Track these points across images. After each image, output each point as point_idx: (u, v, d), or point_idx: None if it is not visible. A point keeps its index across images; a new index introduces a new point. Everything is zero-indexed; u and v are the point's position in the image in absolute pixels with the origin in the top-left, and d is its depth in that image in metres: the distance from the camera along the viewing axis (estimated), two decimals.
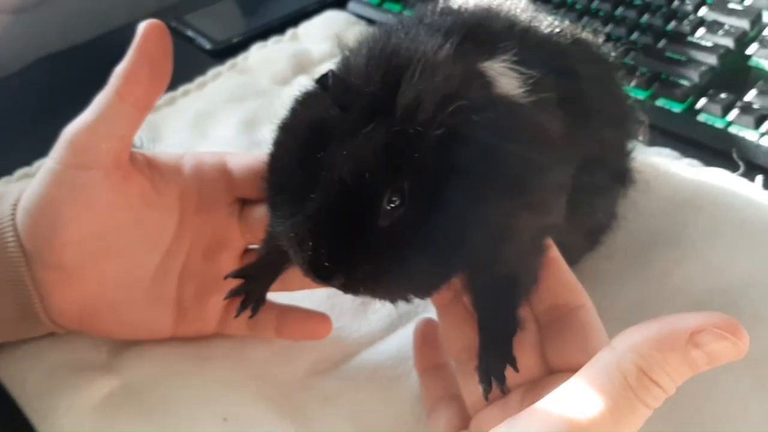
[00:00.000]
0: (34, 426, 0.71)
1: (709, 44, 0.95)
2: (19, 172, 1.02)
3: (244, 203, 0.72)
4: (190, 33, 1.25)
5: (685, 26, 0.98)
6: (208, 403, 0.70)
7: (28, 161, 1.03)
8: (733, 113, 0.87)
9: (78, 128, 0.65)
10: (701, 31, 0.97)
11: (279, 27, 1.20)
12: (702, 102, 0.90)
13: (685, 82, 0.92)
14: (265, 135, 0.85)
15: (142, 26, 0.64)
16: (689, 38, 0.96)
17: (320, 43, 1.13)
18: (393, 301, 0.56)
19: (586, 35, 0.70)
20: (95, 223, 0.65)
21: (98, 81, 1.18)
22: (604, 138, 0.67)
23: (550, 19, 0.68)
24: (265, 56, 1.14)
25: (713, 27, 0.96)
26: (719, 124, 0.88)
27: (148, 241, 0.69)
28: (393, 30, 0.60)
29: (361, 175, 0.50)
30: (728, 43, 0.94)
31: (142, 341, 0.74)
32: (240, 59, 1.15)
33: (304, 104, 0.59)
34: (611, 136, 0.69)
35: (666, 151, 0.86)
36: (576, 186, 0.63)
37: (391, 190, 0.50)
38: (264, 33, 1.20)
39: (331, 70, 0.56)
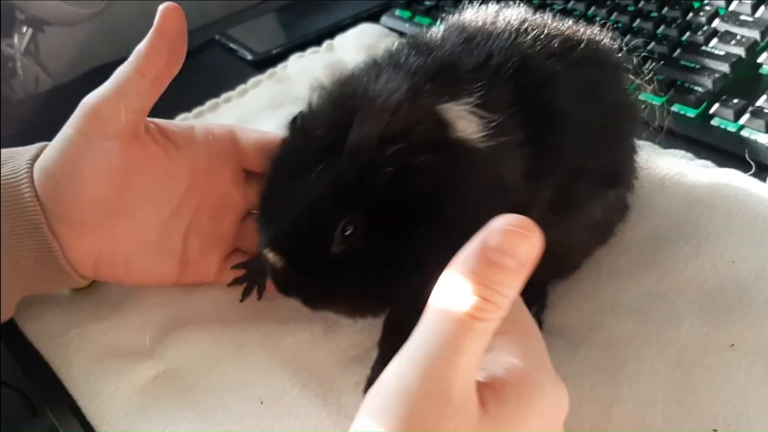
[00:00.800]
0: (82, 407, 0.72)
1: (721, 53, 0.94)
2: None
3: (248, 174, 0.77)
4: (232, 45, 1.27)
5: (699, 37, 0.97)
6: (246, 387, 0.70)
7: None
8: (745, 117, 0.86)
9: (98, 100, 0.69)
10: (714, 41, 0.96)
11: (316, 39, 1.21)
12: (715, 107, 0.89)
13: (699, 89, 0.92)
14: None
15: (161, 8, 0.67)
16: (703, 47, 0.96)
17: (354, 53, 1.14)
18: (350, 317, 0.61)
19: (586, 34, 0.69)
20: (112, 186, 0.69)
21: None
22: (589, 150, 0.65)
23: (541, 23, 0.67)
24: (303, 66, 1.15)
25: (725, 37, 0.95)
26: (732, 128, 0.87)
27: (159, 202, 0.73)
28: (362, 71, 0.62)
29: (310, 209, 0.55)
30: (740, 52, 0.93)
31: (182, 327, 0.75)
32: (279, 68, 1.16)
33: (284, 140, 0.63)
34: (598, 146, 0.66)
35: (681, 152, 0.85)
36: (565, 194, 0.64)
37: (345, 221, 0.54)
38: (302, 45, 1.21)
39: (300, 111, 0.60)
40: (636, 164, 0.74)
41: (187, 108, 1.12)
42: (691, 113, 0.90)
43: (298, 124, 0.61)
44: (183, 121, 1.09)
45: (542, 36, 0.65)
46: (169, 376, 0.74)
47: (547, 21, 0.69)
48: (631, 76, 0.78)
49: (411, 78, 0.58)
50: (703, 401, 0.61)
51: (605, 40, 0.72)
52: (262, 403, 0.68)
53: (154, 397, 0.71)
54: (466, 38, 0.64)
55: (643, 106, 0.82)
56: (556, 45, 0.64)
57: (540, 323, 0.71)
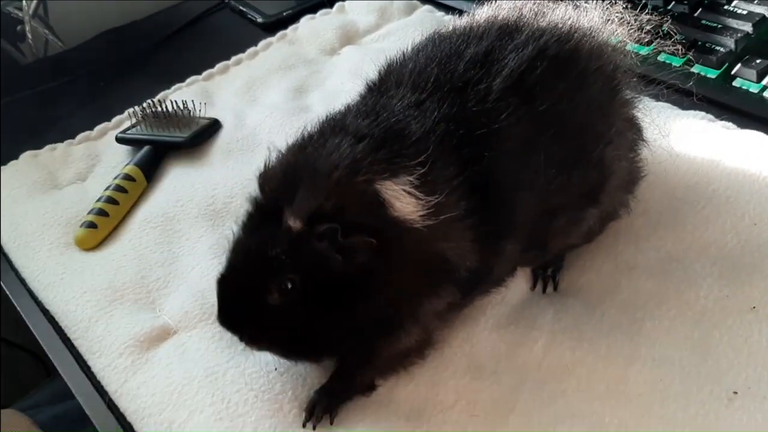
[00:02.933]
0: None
1: (744, 12, 0.91)
2: (81, 135, 1.02)
3: None
4: (243, 8, 1.25)
5: None
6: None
7: (90, 126, 1.04)
8: None
9: None
10: (736, 1, 0.93)
11: (327, 2, 1.19)
12: (737, 67, 0.86)
13: (720, 49, 0.89)
14: (313, 101, 0.85)
15: None
16: (725, 6, 0.93)
17: (366, 15, 1.12)
18: (285, 359, 0.65)
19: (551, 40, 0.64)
20: None
21: (155, 54, 1.21)
22: (557, 188, 0.62)
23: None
24: (314, 28, 1.12)
25: None
26: (754, 89, 0.84)
27: None
28: (314, 133, 0.61)
29: (251, 262, 0.60)
30: (763, 11, 0.90)
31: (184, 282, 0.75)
32: (290, 31, 1.14)
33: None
34: (567, 177, 0.62)
35: (701, 114, 0.83)
36: (541, 235, 0.65)
37: (283, 277, 0.58)
38: (313, 7, 1.19)
39: (260, 173, 0.62)
40: (633, 149, 0.71)
41: (198, 71, 1.10)
42: (712, 74, 0.88)
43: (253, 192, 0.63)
44: (192, 84, 1.07)
45: (497, 72, 0.61)
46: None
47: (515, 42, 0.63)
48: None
49: (354, 148, 0.57)
50: (723, 363, 0.60)
51: (576, 35, 0.65)
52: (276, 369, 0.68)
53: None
54: (417, 95, 0.62)
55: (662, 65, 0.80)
56: (508, 81, 0.61)
57: (555, 284, 0.69)
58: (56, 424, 0.87)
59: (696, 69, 0.89)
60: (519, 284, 0.70)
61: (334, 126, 0.62)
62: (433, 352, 0.65)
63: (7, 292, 0.85)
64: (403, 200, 0.57)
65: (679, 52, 0.89)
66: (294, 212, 0.57)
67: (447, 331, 0.66)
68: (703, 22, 0.92)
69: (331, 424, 0.62)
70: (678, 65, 0.90)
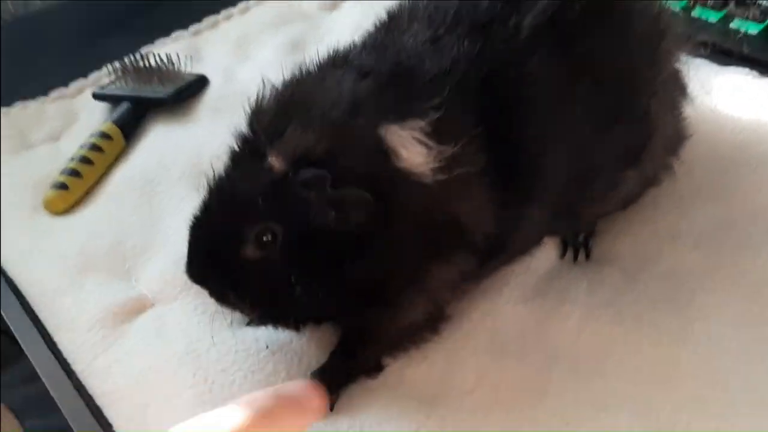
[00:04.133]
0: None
1: None
2: (55, 92, 0.93)
3: None
4: None
5: None
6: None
7: (65, 83, 0.94)
8: None
9: None
10: None
11: None
12: None
13: (763, 2, 0.80)
14: (312, 57, 0.76)
15: None
16: None
17: None
18: (255, 320, 0.58)
19: None
20: None
21: (139, 10, 1.12)
22: (592, 145, 0.54)
23: None
24: None
25: None
26: None
27: None
28: (314, 70, 0.54)
29: (228, 206, 0.51)
30: None
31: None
32: None
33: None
34: (604, 133, 0.54)
35: (744, 70, 0.75)
36: (574, 200, 0.56)
37: (262, 227, 0.49)
38: None
39: (250, 107, 0.53)
40: (678, 106, 0.62)
41: (184, 27, 1.00)
42: (754, 29, 0.80)
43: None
44: (178, 39, 0.98)
45: (528, 9, 0.53)
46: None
47: None
48: None
49: (357, 85, 0.49)
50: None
51: None
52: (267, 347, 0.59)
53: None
54: (433, 31, 0.53)
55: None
56: (541, 18, 0.52)
57: (588, 252, 0.61)
58: (27, 407, 0.78)
59: (735, 24, 0.81)
60: (546, 252, 0.62)
61: (335, 60, 0.53)
62: (448, 327, 0.57)
63: None
64: (411, 149, 0.48)
65: (717, 6, 0.82)
66: (279, 151, 0.48)
67: (463, 303, 0.58)
68: None
69: (331, 410, 0.53)
70: (715, 20, 0.82)
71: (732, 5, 0.82)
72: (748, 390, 0.50)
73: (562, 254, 0.62)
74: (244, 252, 0.50)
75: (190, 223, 0.53)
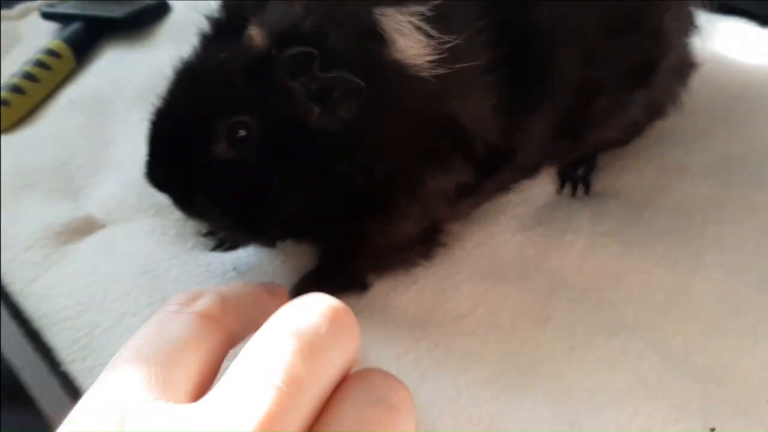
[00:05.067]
0: None
1: None
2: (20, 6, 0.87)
3: None
4: None
5: None
6: None
7: (9, 5, 0.88)
8: None
9: None
10: None
11: None
12: None
13: None
14: None
15: None
16: None
17: None
18: (222, 231, 0.52)
19: None
20: None
21: None
22: (603, 55, 0.51)
23: None
24: None
25: None
26: None
27: None
28: None
29: (195, 98, 0.45)
30: None
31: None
32: None
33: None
34: (616, 44, 0.51)
35: (743, 20, 0.73)
36: (579, 117, 0.52)
37: (234, 121, 0.44)
38: None
39: None
40: (688, 30, 0.59)
41: None
42: None
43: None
44: None
45: None
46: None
47: None
48: None
49: None
50: None
51: None
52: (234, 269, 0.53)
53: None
54: None
55: None
56: None
57: (587, 186, 0.58)
58: None
59: None
60: (543, 184, 0.58)
61: None
62: (440, 252, 0.52)
63: None
64: (409, 36, 0.43)
65: None
66: (259, 25, 0.42)
67: (457, 228, 0.53)
68: None
69: None
70: None
71: None
72: (764, 319, 0.46)
73: (560, 188, 0.58)
74: (214, 149, 0.44)
75: (151, 117, 0.47)
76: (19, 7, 0.87)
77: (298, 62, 0.42)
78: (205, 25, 0.48)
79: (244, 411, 0.27)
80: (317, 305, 0.31)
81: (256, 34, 0.43)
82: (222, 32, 0.46)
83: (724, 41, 0.68)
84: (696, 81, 0.62)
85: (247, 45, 0.43)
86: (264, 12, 0.43)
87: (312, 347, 0.29)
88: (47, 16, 0.81)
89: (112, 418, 0.28)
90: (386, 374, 0.32)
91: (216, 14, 0.47)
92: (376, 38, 0.43)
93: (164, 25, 0.81)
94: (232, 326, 0.35)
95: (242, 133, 0.44)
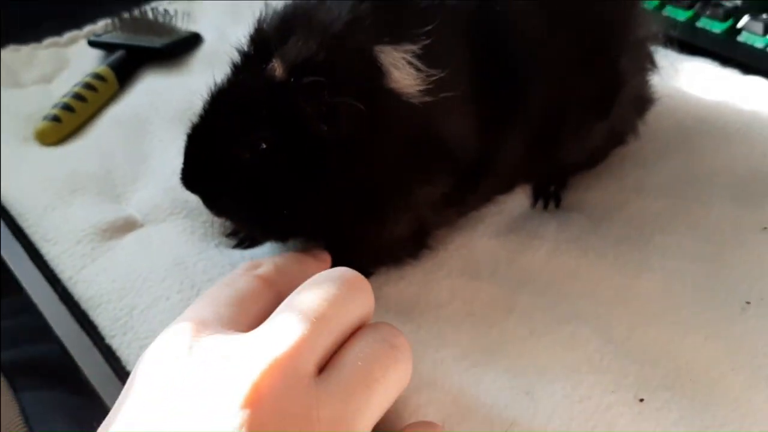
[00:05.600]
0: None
1: None
2: (48, 40, 0.97)
3: None
4: None
5: None
6: None
7: (59, 32, 0.98)
8: None
9: None
10: None
11: None
12: (743, 21, 0.85)
13: (726, 3, 0.88)
14: None
15: None
16: None
17: None
18: (247, 230, 0.61)
19: None
20: None
21: None
22: (569, 86, 0.59)
23: None
24: None
25: None
26: (759, 44, 0.84)
27: None
28: None
29: (224, 111, 0.55)
30: None
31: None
32: None
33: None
34: (579, 78, 0.60)
35: (707, 60, 0.82)
36: (547, 138, 0.61)
37: (258, 133, 0.52)
38: None
39: (253, 25, 0.56)
40: (646, 70, 0.68)
41: None
42: (718, 28, 0.87)
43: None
44: (174, 1, 1.02)
45: None
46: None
47: None
48: None
49: (356, 8, 0.53)
50: (736, 276, 0.57)
51: None
52: None
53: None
54: None
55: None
56: None
57: (557, 200, 0.66)
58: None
59: (702, 23, 0.88)
60: (519, 199, 0.67)
61: None
62: (426, 254, 0.61)
63: None
64: (402, 69, 0.52)
65: (685, 5, 0.89)
66: (281, 58, 0.52)
67: (442, 234, 0.62)
68: None
69: None
70: (684, 19, 0.89)
71: (699, 5, 0.89)
72: (700, 313, 0.55)
73: (534, 202, 0.67)
74: (240, 157, 0.54)
75: (187, 131, 0.57)
76: (68, 35, 0.97)
77: (311, 89, 0.51)
78: (235, 56, 0.57)
79: (283, 336, 0.38)
80: (340, 272, 0.44)
81: (278, 65, 0.52)
82: (249, 62, 0.56)
83: (686, 78, 0.76)
84: (657, 112, 0.71)
85: (271, 74, 0.52)
86: (285, 47, 0.52)
87: (335, 299, 0.41)
88: (94, 44, 0.91)
89: (187, 339, 0.40)
90: (391, 326, 0.44)
91: (244, 47, 0.57)
92: (375, 70, 0.52)
93: (197, 54, 0.90)
94: (282, 287, 0.47)
95: (263, 145, 0.53)
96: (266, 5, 0.58)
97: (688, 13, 0.90)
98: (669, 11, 0.91)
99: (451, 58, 0.54)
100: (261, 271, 0.48)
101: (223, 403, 0.36)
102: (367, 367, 0.39)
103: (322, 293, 0.41)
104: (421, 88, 0.52)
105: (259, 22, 0.57)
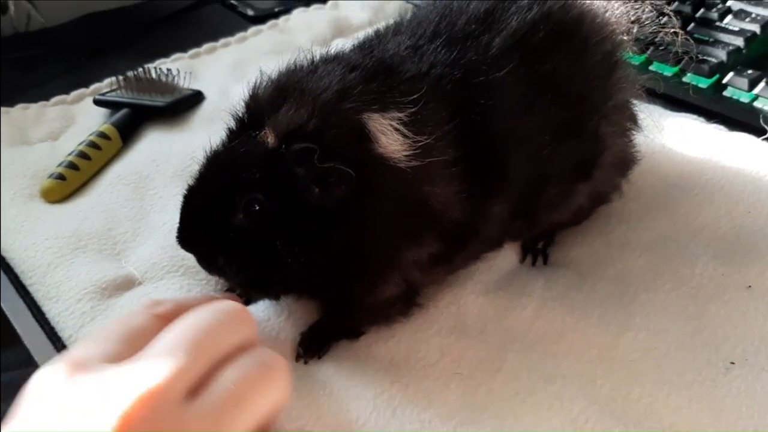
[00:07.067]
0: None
1: (736, 29, 0.92)
2: (56, 98, 0.98)
3: None
4: (234, 1, 1.23)
5: (713, 13, 0.95)
6: None
7: (66, 91, 0.99)
8: (760, 86, 0.84)
9: None
10: (729, 18, 0.94)
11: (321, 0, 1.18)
12: (729, 76, 0.86)
13: (712, 59, 0.89)
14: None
15: None
16: (717, 23, 0.94)
17: (360, 12, 1.11)
18: (239, 287, 0.62)
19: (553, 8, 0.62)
20: None
21: (138, 39, 1.18)
22: (550, 153, 0.60)
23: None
24: (306, 19, 1.11)
25: (740, 15, 0.93)
26: (745, 99, 0.84)
27: None
28: (304, 63, 0.59)
29: (213, 176, 0.56)
30: (755, 28, 0.91)
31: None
32: (281, 21, 1.13)
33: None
34: (561, 144, 0.60)
35: (692, 116, 0.82)
36: (531, 202, 0.62)
37: (251, 196, 0.53)
38: (305, 4, 1.17)
39: (247, 91, 0.58)
40: (628, 131, 0.68)
41: (183, 49, 1.07)
42: (704, 83, 0.88)
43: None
44: (177, 60, 1.04)
45: (498, 31, 0.60)
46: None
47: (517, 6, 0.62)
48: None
49: (345, 76, 0.55)
50: (720, 335, 0.57)
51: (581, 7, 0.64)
52: None
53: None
54: (415, 41, 0.60)
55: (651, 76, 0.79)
56: (510, 40, 0.59)
57: (545, 257, 0.67)
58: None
59: (688, 78, 0.89)
60: (508, 255, 0.67)
61: (326, 57, 0.60)
62: (417, 311, 0.61)
63: None
64: (389, 136, 0.53)
65: (671, 62, 0.90)
66: (273, 126, 0.53)
67: (432, 291, 0.63)
68: (696, 36, 0.93)
69: (319, 359, 0.59)
70: (670, 74, 0.90)
71: (685, 61, 0.90)
72: (684, 372, 0.55)
73: (522, 258, 0.67)
74: (233, 219, 0.55)
75: (184, 192, 0.58)
76: (74, 93, 0.99)
77: (302, 154, 0.52)
78: (231, 122, 0.58)
79: (155, 365, 0.41)
80: (220, 304, 0.46)
81: (270, 134, 0.54)
82: (242, 127, 0.57)
83: (670, 134, 0.77)
84: (642, 169, 0.71)
85: (263, 140, 0.54)
86: (277, 115, 0.54)
87: (209, 327, 0.44)
88: (99, 103, 0.93)
89: (63, 375, 0.41)
90: (267, 349, 0.45)
91: (239, 113, 0.58)
92: (364, 137, 0.53)
93: (198, 112, 0.92)
94: None
95: (256, 207, 0.54)
96: (261, 72, 0.59)
97: (674, 69, 0.90)
98: (656, 66, 0.92)
99: (437, 125, 0.55)
100: (160, 309, 0.49)
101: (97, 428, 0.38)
102: (238, 387, 0.42)
103: (198, 322, 0.44)
104: (408, 153, 0.53)
105: (254, 88, 0.58)
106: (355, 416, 0.54)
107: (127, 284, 0.68)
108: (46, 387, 0.42)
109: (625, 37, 0.69)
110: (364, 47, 0.61)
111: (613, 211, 0.70)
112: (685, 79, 0.89)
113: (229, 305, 0.46)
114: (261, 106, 0.56)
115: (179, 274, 0.68)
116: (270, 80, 0.58)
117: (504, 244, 0.66)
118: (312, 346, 0.60)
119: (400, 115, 0.54)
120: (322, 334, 0.60)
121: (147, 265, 0.69)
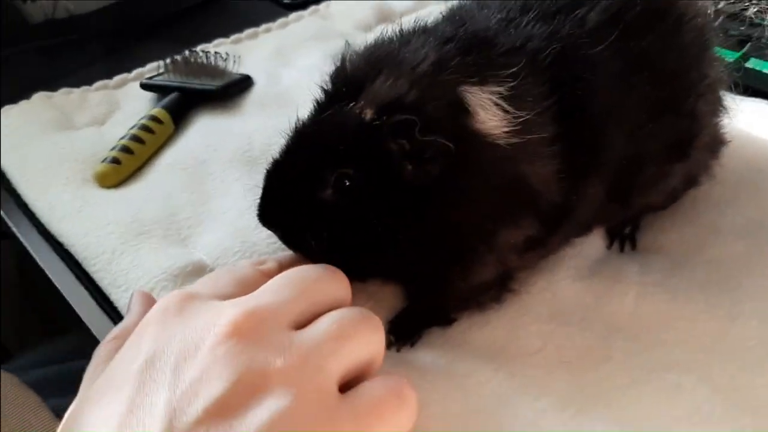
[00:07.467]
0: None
1: None
2: (98, 83, 0.95)
3: None
4: None
5: None
6: None
7: (109, 76, 0.96)
8: None
9: None
10: None
11: None
12: None
13: None
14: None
15: None
16: None
17: None
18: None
19: None
20: None
21: (171, 24, 1.14)
22: (646, 133, 0.57)
23: None
24: (348, 5, 1.08)
25: None
26: None
27: None
28: (403, 35, 0.55)
29: (306, 149, 0.53)
30: None
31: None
32: (322, 6, 1.09)
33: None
34: (656, 124, 0.58)
35: (763, 101, 0.80)
36: (627, 185, 0.59)
37: (342, 170, 0.50)
38: None
39: (335, 63, 0.55)
40: (718, 112, 0.66)
41: (225, 35, 1.03)
42: None
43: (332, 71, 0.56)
44: (219, 46, 1.00)
45: (593, 4, 0.57)
46: None
47: None
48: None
49: (440, 48, 0.52)
50: None
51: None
52: None
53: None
54: (505, 14, 0.57)
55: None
56: (604, 15, 0.56)
57: (633, 242, 0.64)
58: (47, 385, 0.76)
59: (751, 64, 0.87)
60: (594, 241, 0.64)
61: (416, 29, 0.56)
62: (510, 297, 0.59)
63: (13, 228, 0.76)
64: (489, 111, 0.50)
65: (734, 46, 0.88)
66: (369, 97, 0.50)
67: (524, 276, 0.60)
68: (757, 21, 0.90)
69: (412, 346, 0.56)
70: (732, 59, 0.88)
71: (748, 46, 0.87)
72: None
73: (610, 244, 0.65)
74: (322, 195, 0.52)
75: (268, 166, 0.55)
76: (117, 78, 0.95)
77: (402, 127, 0.49)
78: (318, 94, 0.55)
79: (263, 295, 0.45)
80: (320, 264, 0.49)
81: (366, 106, 0.50)
82: (333, 101, 0.53)
83: (748, 120, 0.75)
84: (725, 154, 0.69)
85: (357, 112, 0.50)
86: (373, 86, 0.50)
87: (316, 276, 0.48)
88: (146, 87, 0.89)
89: (178, 300, 0.46)
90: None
91: (327, 85, 0.55)
92: (463, 111, 0.50)
93: (248, 96, 0.88)
94: None
95: (346, 182, 0.51)
96: (346, 44, 0.56)
97: (738, 54, 0.88)
98: (753, 63, 0.89)
99: (536, 100, 0.52)
100: (264, 267, 0.52)
101: (209, 334, 0.41)
102: (339, 326, 0.44)
103: (301, 272, 0.48)
104: (507, 129, 0.50)
105: (342, 61, 0.55)
106: (461, 405, 0.51)
107: (198, 271, 0.65)
108: (159, 311, 0.45)
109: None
110: (454, 19, 0.58)
111: (699, 197, 0.67)
112: (748, 65, 0.87)
113: (328, 266, 0.49)
114: (353, 78, 0.53)
115: (254, 260, 0.64)
116: (359, 52, 0.55)
117: (593, 229, 0.63)
118: (404, 333, 0.57)
119: (499, 89, 0.51)
120: (413, 320, 0.57)
121: (218, 250, 0.66)
